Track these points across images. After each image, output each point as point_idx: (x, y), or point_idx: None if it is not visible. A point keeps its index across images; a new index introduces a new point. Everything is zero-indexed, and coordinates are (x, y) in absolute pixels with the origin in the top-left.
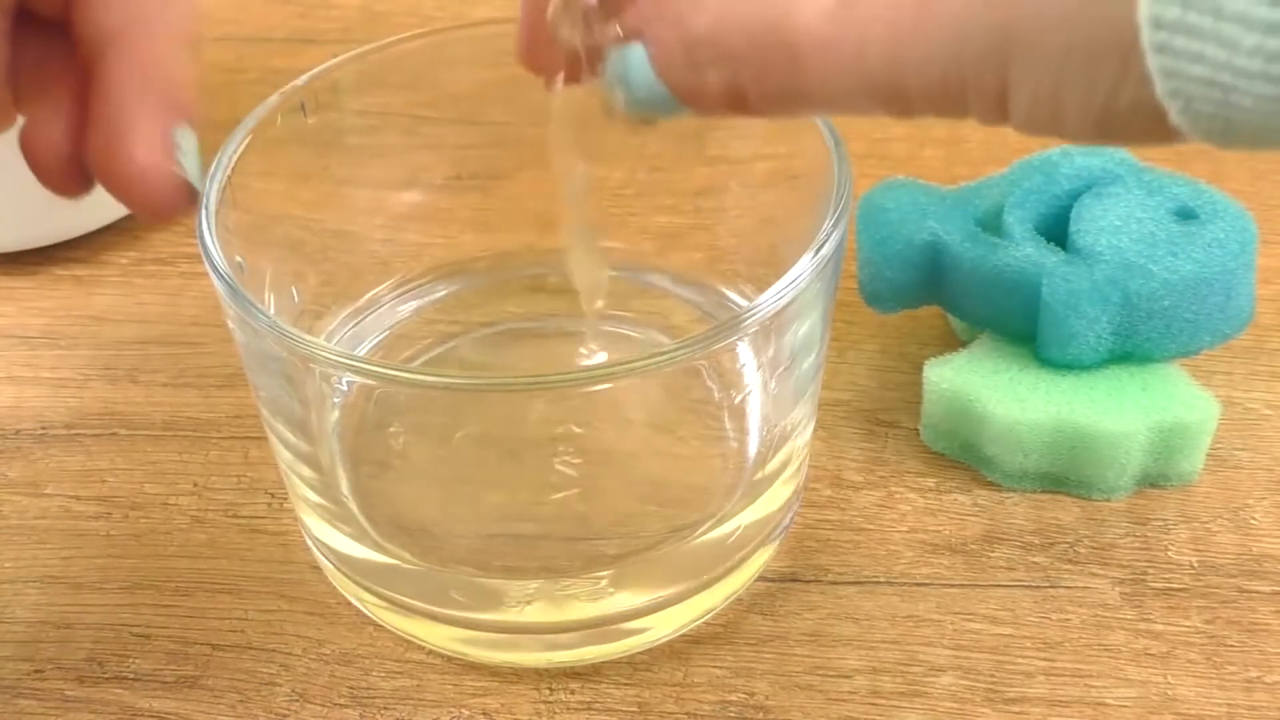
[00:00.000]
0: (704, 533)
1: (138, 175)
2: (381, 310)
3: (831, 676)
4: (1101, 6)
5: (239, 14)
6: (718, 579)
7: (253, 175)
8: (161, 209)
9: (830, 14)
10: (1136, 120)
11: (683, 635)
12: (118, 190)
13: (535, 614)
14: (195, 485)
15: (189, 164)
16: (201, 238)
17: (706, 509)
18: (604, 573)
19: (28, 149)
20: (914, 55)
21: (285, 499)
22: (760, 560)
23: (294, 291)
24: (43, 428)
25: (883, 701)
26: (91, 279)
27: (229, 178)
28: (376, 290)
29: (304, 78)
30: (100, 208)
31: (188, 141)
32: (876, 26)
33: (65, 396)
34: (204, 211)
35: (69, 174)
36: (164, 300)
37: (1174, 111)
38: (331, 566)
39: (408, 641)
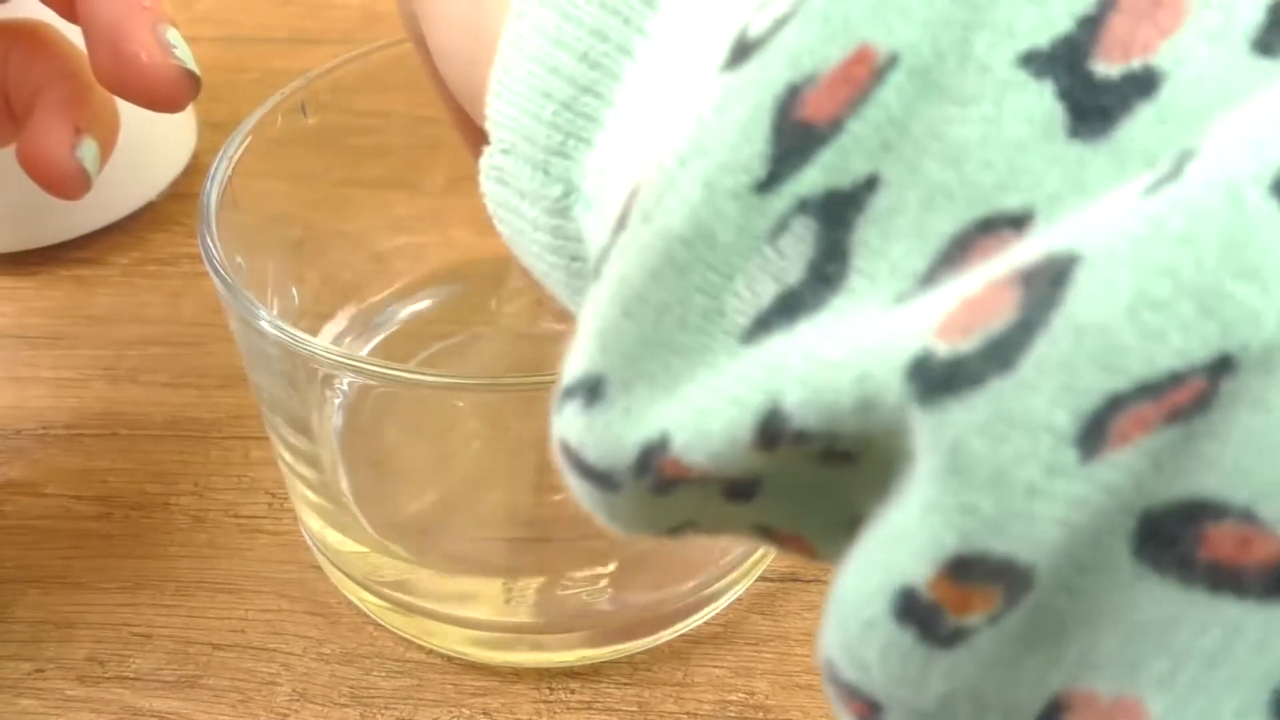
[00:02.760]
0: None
1: (147, 74)
2: (382, 310)
3: None
4: None
5: (239, 14)
6: (718, 579)
7: (253, 175)
8: (171, 98)
9: None
10: None
11: (683, 635)
12: (133, 91)
13: (535, 614)
14: (195, 485)
15: (182, 54)
16: (202, 238)
17: None
18: (604, 572)
19: (25, 158)
20: None
21: (285, 499)
22: (760, 560)
23: (294, 292)
24: (43, 428)
25: None
26: (92, 279)
27: (229, 178)
28: (376, 290)
29: (304, 78)
30: (100, 208)
31: (175, 37)
32: None
33: (66, 396)
34: (204, 211)
35: (68, 178)
36: (164, 300)
37: None
38: (331, 566)
39: (408, 641)
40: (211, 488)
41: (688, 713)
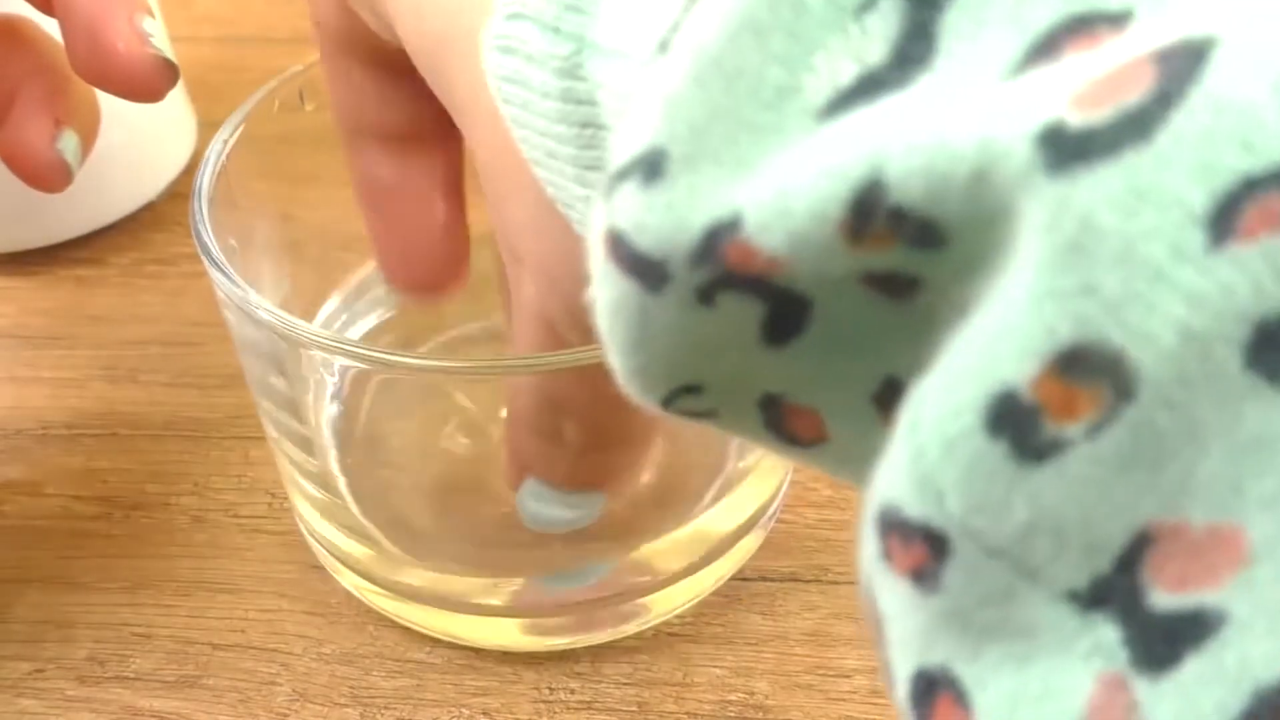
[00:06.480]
0: (692, 518)
1: (125, 64)
2: (378, 306)
3: (831, 676)
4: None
5: (239, 14)
6: (706, 563)
7: (247, 164)
8: (150, 88)
9: None
10: None
11: (683, 635)
12: (112, 82)
13: (532, 600)
14: (195, 485)
15: (160, 43)
16: (196, 231)
17: (693, 495)
18: (604, 562)
19: (5, 152)
20: None
21: (285, 499)
22: (748, 546)
23: (289, 282)
24: (43, 428)
25: (883, 701)
26: (92, 279)
27: (223, 166)
28: (371, 281)
29: (302, 66)
30: (100, 208)
31: (152, 26)
32: None
33: (66, 396)
34: (199, 204)
35: (49, 170)
36: (164, 300)
37: None
38: (329, 557)
39: (408, 642)
40: (211, 488)
41: (688, 713)
